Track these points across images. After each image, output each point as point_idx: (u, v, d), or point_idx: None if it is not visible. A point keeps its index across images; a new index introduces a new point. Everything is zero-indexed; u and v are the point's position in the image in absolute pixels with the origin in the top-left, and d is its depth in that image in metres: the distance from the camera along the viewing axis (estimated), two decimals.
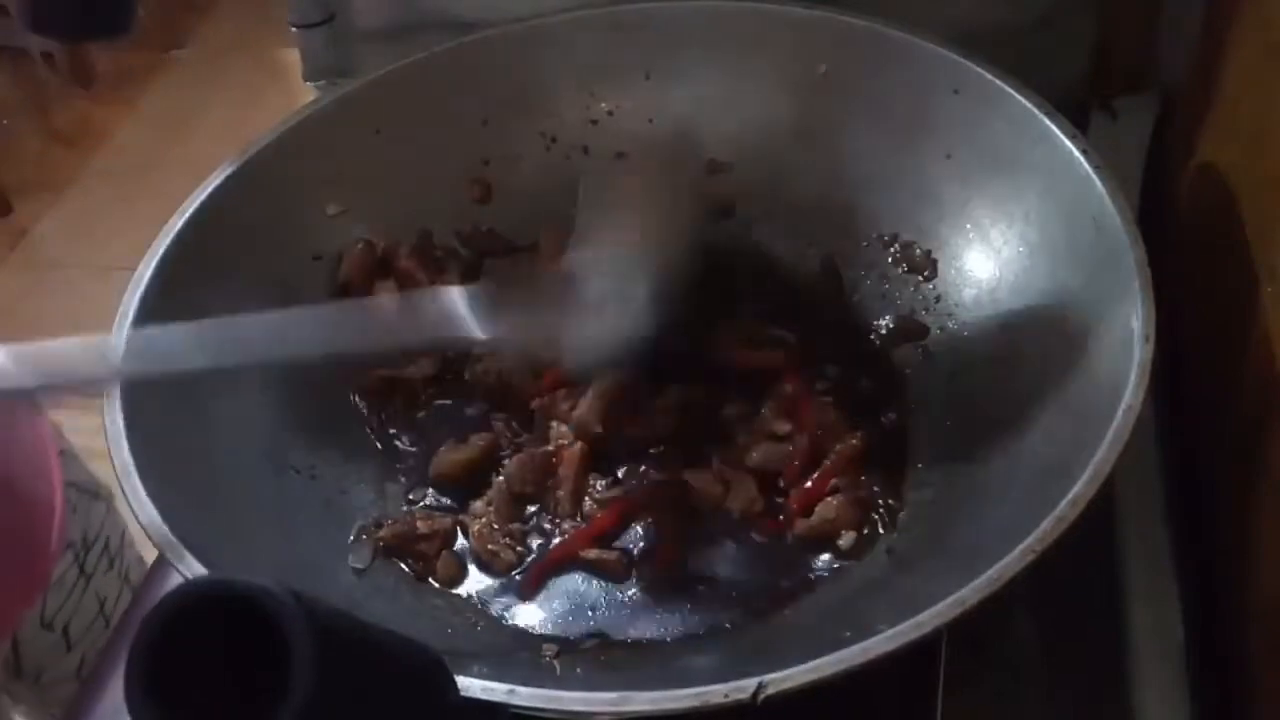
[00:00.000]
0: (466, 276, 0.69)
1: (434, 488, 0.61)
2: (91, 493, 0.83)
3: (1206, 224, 0.60)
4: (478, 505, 0.60)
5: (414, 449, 0.63)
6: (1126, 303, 0.50)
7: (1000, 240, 0.61)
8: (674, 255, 0.57)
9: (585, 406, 0.61)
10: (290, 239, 0.66)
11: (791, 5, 0.67)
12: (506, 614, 0.56)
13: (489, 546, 0.58)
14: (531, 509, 0.60)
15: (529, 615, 0.56)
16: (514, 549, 0.58)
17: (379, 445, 0.63)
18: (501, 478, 0.60)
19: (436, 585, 0.57)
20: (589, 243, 0.59)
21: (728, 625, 0.54)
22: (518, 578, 0.57)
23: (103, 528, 0.84)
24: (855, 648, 0.42)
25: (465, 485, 0.61)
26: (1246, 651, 0.51)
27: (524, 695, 0.42)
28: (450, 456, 0.62)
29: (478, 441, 0.62)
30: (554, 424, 0.62)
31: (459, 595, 0.57)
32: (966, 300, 0.62)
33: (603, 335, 0.56)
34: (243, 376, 0.60)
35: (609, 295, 0.56)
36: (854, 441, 0.59)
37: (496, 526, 0.59)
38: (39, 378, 0.48)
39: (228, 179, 0.63)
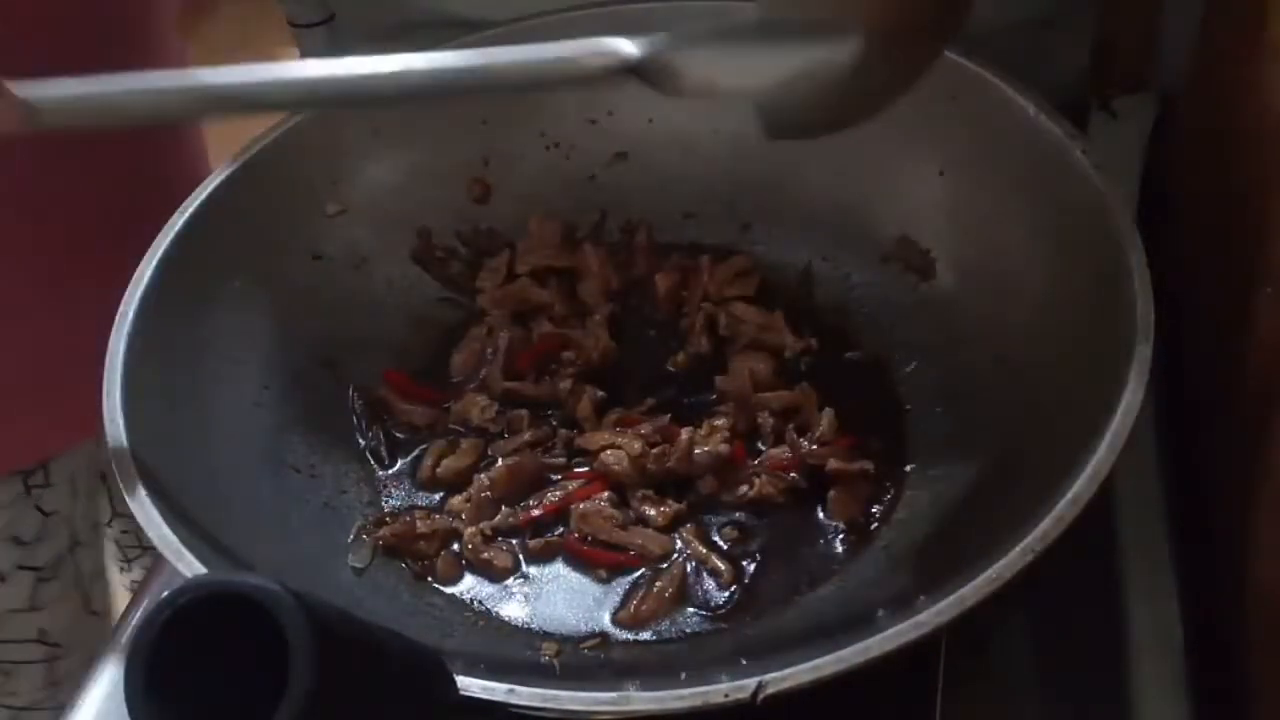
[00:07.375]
0: (467, 276, 0.69)
1: (425, 490, 0.61)
2: None
3: (1207, 224, 0.60)
4: (455, 501, 0.60)
5: (414, 449, 0.63)
6: (1126, 303, 0.50)
7: (1000, 240, 0.61)
8: None
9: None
10: (290, 239, 0.66)
11: None
12: (506, 613, 0.56)
13: (483, 555, 0.58)
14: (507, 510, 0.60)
15: (529, 614, 0.56)
16: (509, 554, 0.58)
17: (379, 445, 0.63)
18: (484, 477, 0.60)
19: (436, 584, 0.57)
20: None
21: (727, 625, 0.54)
22: (519, 572, 0.58)
23: None
24: (855, 648, 0.42)
25: (456, 490, 0.61)
26: (1246, 650, 0.51)
27: (524, 695, 0.42)
28: (438, 461, 0.62)
29: (466, 446, 0.62)
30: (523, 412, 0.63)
31: (458, 594, 0.57)
32: (966, 300, 0.62)
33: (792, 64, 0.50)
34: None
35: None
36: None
37: (488, 534, 0.58)
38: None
39: (228, 179, 0.63)
